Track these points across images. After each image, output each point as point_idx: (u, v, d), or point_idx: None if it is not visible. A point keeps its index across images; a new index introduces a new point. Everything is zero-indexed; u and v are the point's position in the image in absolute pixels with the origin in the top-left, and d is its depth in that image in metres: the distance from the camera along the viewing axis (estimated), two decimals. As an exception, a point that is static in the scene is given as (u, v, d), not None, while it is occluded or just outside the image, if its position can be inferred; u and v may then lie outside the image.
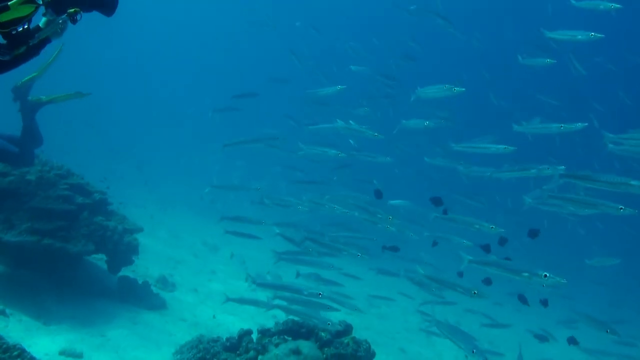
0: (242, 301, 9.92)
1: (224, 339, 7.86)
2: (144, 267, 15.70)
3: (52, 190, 11.04)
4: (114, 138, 38.52)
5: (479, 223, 9.85)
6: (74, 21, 4.18)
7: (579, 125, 10.25)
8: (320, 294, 7.06)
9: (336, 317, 8.47)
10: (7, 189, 10.66)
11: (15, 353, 6.44)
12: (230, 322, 13.16)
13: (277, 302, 8.13)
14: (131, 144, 38.76)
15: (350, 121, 12.91)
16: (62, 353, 8.87)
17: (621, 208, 8.30)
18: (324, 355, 7.37)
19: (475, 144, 11.25)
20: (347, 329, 7.84)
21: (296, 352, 7.04)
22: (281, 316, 8.47)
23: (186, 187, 32.94)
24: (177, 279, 15.76)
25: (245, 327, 8.22)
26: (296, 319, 8.16)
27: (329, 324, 8.06)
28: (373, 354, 7.86)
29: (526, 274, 7.80)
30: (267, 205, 13.96)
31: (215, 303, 14.63)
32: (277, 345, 7.42)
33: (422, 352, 16.31)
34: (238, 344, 7.70)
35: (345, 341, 7.58)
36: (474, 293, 8.29)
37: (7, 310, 9.63)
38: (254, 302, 9.87)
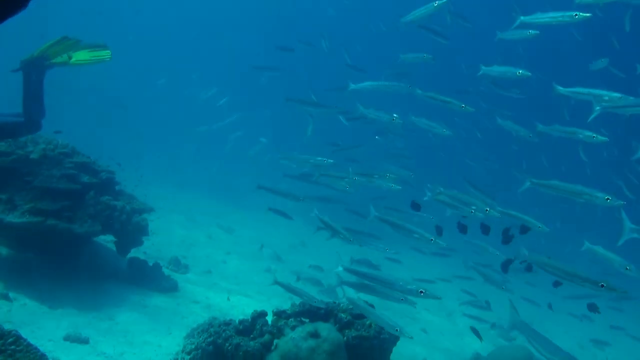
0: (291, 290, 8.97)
1: (237, 322, 7.32)
2: (156, 249, 15.25)
3: (56, 169, 10.51)
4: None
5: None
6: None
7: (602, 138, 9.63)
8: (422, 291, 6.31)
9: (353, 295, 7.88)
10: (9, 167, 10.15)
11: (10, 339, 5.90)
12: (245, 304, 12.65)
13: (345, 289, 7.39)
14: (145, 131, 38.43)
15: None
16: (67, 338, 8.39)
17: (608, 198, 8.00)
18: (345, 338, 6.82)
19: (564, 128, 10.50)
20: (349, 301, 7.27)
21: (314, 334, 6.49)
22: (298, 299, 7.90)
23: (202, 169, 32.62)
24: (190, 260, 15.28)
25: (260, 309, 7.66)
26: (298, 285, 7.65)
27: (338, 303, 7.49)
28: (397, 338, 7.28)
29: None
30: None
31: (230, 285, 14.16)
32: (293, 327, 6.87)
33: (445, 334, 15.76)
34: (252, 326, 7.16)
35: (367, 322, 7.01)
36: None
37: (11, 294, 9.17)
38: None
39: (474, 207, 8.80)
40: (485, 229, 9.36)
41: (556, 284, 8.98)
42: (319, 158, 11.78)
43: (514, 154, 26.87)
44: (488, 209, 8.83)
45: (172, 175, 30.08)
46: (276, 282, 8.09)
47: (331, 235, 10.11)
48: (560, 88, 9.92)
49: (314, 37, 23.19)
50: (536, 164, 25.87)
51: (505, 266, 9.59)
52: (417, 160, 18.71)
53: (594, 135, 9.36)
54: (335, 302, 7.44)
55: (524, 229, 9.28)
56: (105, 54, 9.50)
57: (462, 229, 9.52)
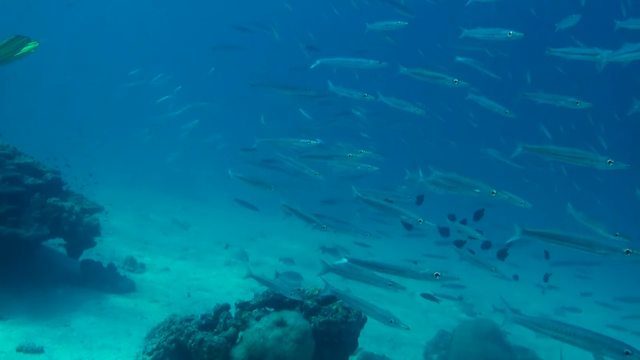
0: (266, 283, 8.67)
1: (199, 317, 7.04)
2: (110, 250, 14.86)
3: (-4, 172, 9.96)
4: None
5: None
6: None
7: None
8: (437, 274, 5.99)
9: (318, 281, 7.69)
10: (-56, 174, 9.56)
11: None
12: (207, 299, 12.34)
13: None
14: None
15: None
16: (20, 349, 7.93)
17: (610, 162, 7.61)
18: (312, 324, 6.63)
19: (548, 95, 10.05)
20: (333, 295, 7.08)
21: (280, 323, 6.28)
22: (261, 289, 7.67)
23: (152, 167, 31.86)
24: (146, 259, 14.90)
25: (223, 302, 7.39)
26: (272, 279, 7.40)
27: (303, 290, 7.27)
28: (365, 320, 7.15)
29: None
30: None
31: (189, 281, 13.81)
32: (258, 318, 6.65)
33: (410, 313, 15.80)
34: (215, 320, 6.90)
35: (334, 307, 6.84)
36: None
37: (-45, 307, 8.65)
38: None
39: (477, 190, 8.35)
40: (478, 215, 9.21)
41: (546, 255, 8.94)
42: (303, 140, 11.16)
43: (476, 135, 27.01)
44: (494, 192, 8.26)
45: (124, 172, 29.31)
46: (250, 275, 7.71)
47: (306, 224, 9.78)
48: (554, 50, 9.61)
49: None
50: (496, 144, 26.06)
51: (503, 254, 9.50)
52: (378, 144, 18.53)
53: (577, 101, 8.94)
54: (300, 289, 7.23)
55: (479, 214, 9.21)
56: (29, 45, 8.97)
57: (451, 217, 9.32)
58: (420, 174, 8.89)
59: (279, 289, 6.83)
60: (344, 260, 6.45)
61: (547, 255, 9.39)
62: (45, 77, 40.54)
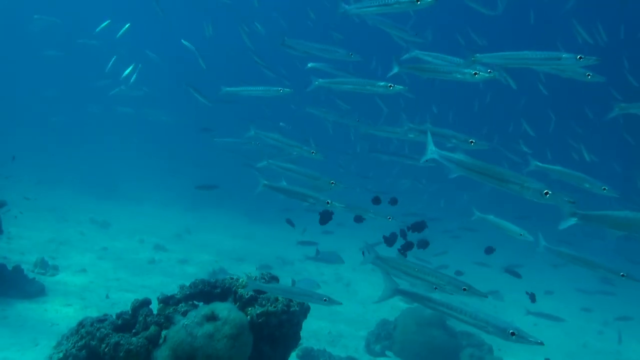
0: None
1: (114, 317, 6.01)
2: (19, 252, 13.53)
3: None
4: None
5: None
6: None
7: None
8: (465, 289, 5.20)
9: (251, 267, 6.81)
10: None
11: None
12: (129, 300, 11.12)
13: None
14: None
15: None
16: None
17: (604, 188, 7.30)
18: (249, 317, 5.73)
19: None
20: (272, 282, 6.22)
21: (211, 317, 5.35)
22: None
23: (71, 163, 29.88)
24: (60, 261, 13.55)
25: (142, 298, 6.35)
26: (205, 277, 6.46)
27: (237, 278, 6.36)
28: (308, 309, 6.31)
29: None
30: None
31: (108, 281, 12.58)
32: (185, 313, 5.68)
33: (346, 305, 15.14)
34: (133, 319, 5.88)
35: (273, 296, 5.97)
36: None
37: None
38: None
39: (454, 140, 8.25)
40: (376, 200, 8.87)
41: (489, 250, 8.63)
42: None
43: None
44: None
45: (42, 170, 27.21)
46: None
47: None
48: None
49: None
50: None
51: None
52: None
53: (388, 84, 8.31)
54: (232, 278, 6.31)
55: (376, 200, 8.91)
56: None
57: (376, 201, 8.90)
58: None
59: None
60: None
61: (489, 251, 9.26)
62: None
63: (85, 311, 10.11)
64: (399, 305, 15.72)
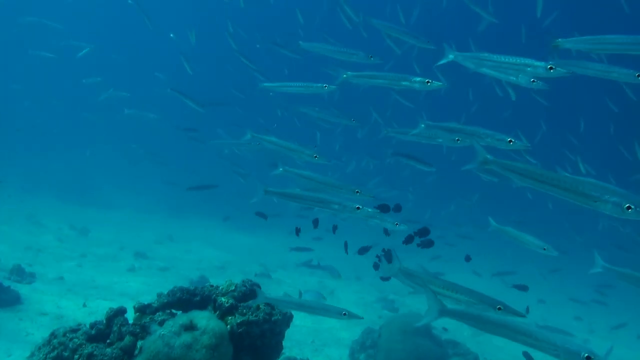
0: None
1: (88, 326, 5.76)
2: (-6, 259, 13.02)
3: None
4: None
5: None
6: None
7: None
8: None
9: (232, 276, 6.58)
10: None
11: None
12: (106, 308, 10.86)
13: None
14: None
15: None
16: None
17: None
18: (229, 326, 5.50)
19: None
20: (254, 290, 6.00)
21: (189, 327, 5.12)
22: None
23: (51, 168, 29.38)
24: (37, 268, 13.21)
25: (117, 306, 6.09)
26: (185, 285, 6.21)
27: (216, 286, 6.11)
28: (290, 317, 6.11)
29: None
30: None
31: (86, 289, 12.26)
32: (162, 322, 5.45)
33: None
34: (108, 329, 5.63)
35: (255, 305, 5.76)
36: None
37: None
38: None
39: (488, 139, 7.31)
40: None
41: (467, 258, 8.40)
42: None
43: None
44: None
45: (18, 176, 26.65)
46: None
47: None
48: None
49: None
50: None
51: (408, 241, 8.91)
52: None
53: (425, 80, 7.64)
54: (212, 285, 6.08)
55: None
56: None
57: (383, 208, 8.66)
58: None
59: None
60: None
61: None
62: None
63: (61, 320, 9.80)
64: (382, 313, 15.57)
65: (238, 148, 14.27)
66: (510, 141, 6.95)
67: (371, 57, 8.82)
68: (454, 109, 24.11)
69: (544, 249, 7.29)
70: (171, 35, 20.50)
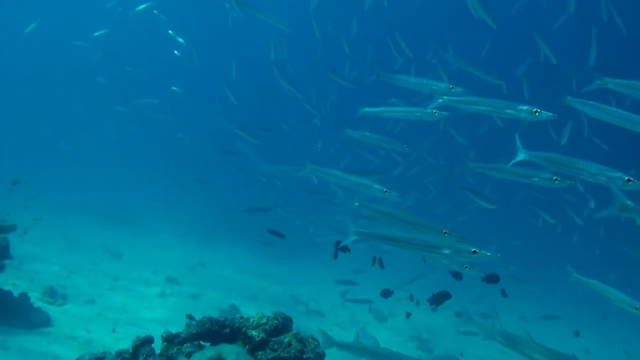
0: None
1: (113, 354, 5.58)
2: (29, 278, 13.24)
3: None
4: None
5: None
6: None
7: None
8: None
9: (263, 306, 6.34)
10: None
11: None
12: (135, 335, 10.71)
13: None
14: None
15: None
16: None
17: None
18: (258, 363, 5.26)
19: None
20: (286, 324, 5.75)
21: (217, 361, 4.90)
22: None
23: (88, 192, 29.72)
24: (70, 290, 13.19)
25: (144, 335, 5.92)
26: (215, 314, 6.01)
27: (247, 318, 5.83)
28: (323, 356, 5.82)
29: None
30: None
31: (116, 314, 12.16)
32: (189, 355, 5.22)
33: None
34: (133, 358, 5.45)
35: (286, 340, 5.49)
36: None
37: None
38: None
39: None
40: None
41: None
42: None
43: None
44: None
45: (58, 194, 26.98)
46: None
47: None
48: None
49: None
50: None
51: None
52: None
53: (533, 109, 7.53)
54: (242, 317, 5.86)
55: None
56: None
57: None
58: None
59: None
60: None
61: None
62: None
63: (90, 345, 9.70)
64: (417, 353, 15.08)
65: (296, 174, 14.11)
66: (629, 180, 5.86)
67: (452, 87, 7.98)
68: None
69: (636, 309, 6.18)
70: (175, 52, 20.64)
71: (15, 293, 10.32)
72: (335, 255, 9.04)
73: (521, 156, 6.54)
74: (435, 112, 7.61)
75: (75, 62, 35.02)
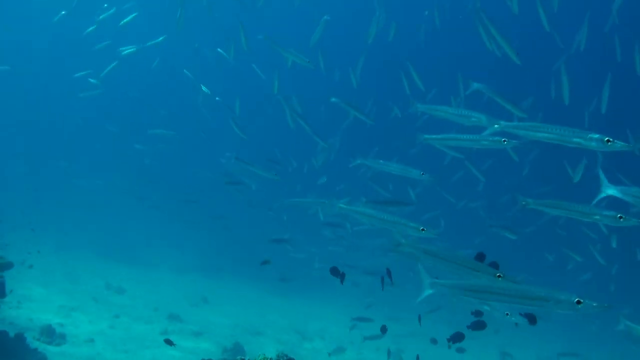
0: None
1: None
2: (27, 318, 12.81)
3: None
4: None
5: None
6: None
7: None
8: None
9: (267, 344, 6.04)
10: None
11: None
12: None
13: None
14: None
15: None
16: None
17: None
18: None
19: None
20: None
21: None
22: None
23: (87, 226, 29.41)
24: (69, 328, 12.90)
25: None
26: (218, 353, 5.70)
27: None
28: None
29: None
30: None
31: (116, 354, 11.82)
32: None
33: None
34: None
35: (290, 385, 5.16)
36: None
37: None
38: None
39: None
40: None
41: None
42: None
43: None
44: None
45: (58, 231, 26.61)
46: None
47: None
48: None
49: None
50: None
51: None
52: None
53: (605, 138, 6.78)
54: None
55: None
56: None
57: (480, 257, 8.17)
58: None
59: None
60: None
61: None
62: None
63: (87, 388, 9.37)
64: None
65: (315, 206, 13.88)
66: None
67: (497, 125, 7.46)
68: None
69: None
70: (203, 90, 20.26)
71: (12, 333, 10.01)
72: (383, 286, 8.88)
73: (608, 192, 6.05)
74: (505, 141, 7.05)
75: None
